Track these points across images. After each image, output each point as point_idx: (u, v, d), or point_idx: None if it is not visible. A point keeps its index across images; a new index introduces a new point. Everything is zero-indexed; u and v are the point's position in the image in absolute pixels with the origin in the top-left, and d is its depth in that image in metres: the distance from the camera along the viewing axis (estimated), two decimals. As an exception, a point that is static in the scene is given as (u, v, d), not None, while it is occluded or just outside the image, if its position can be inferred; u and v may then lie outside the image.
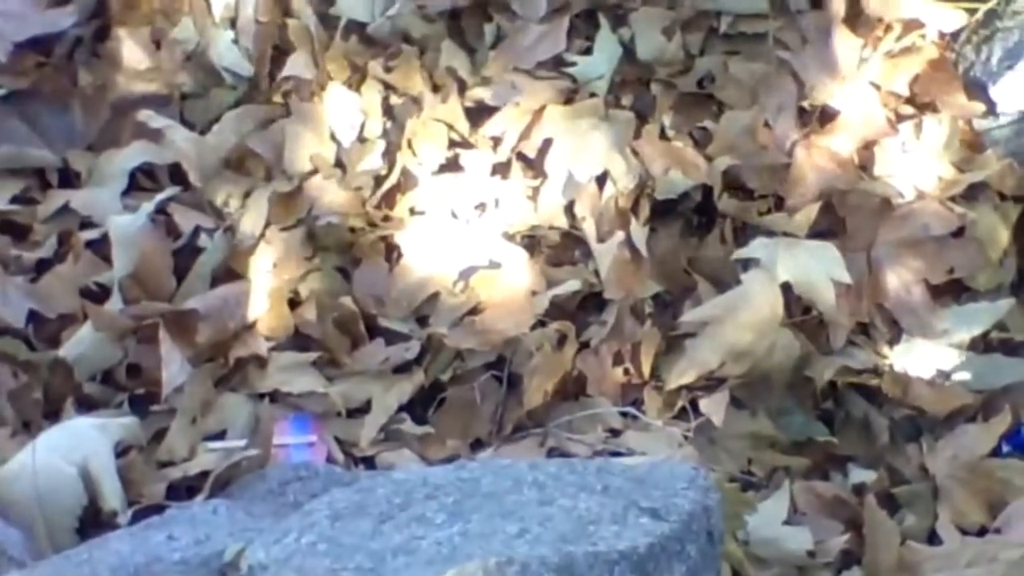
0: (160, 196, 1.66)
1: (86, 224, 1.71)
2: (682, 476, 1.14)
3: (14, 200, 1.72)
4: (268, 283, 1.67)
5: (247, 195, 1.75)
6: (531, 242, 1.75)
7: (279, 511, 1.36)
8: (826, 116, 1.81)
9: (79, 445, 1.42)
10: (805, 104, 1.81)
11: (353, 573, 1.06)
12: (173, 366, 1.54)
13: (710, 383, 1.63)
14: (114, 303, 1.60)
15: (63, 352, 1.56)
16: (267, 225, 1.72)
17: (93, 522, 1.40)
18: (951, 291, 1.75)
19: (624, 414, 1.62)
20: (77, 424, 1.46)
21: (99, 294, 1.63)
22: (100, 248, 1.68)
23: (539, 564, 1.02)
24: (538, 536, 1.06)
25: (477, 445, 1.60)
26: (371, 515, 1.13)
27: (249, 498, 1.39)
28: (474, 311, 1.68)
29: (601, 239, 1.72)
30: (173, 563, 1.16)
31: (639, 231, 1.73)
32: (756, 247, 1.70)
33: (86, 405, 1.56)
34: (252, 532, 1.21)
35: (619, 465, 1.17)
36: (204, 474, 1.45)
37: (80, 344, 1.57)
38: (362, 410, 1.61)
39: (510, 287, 1.69)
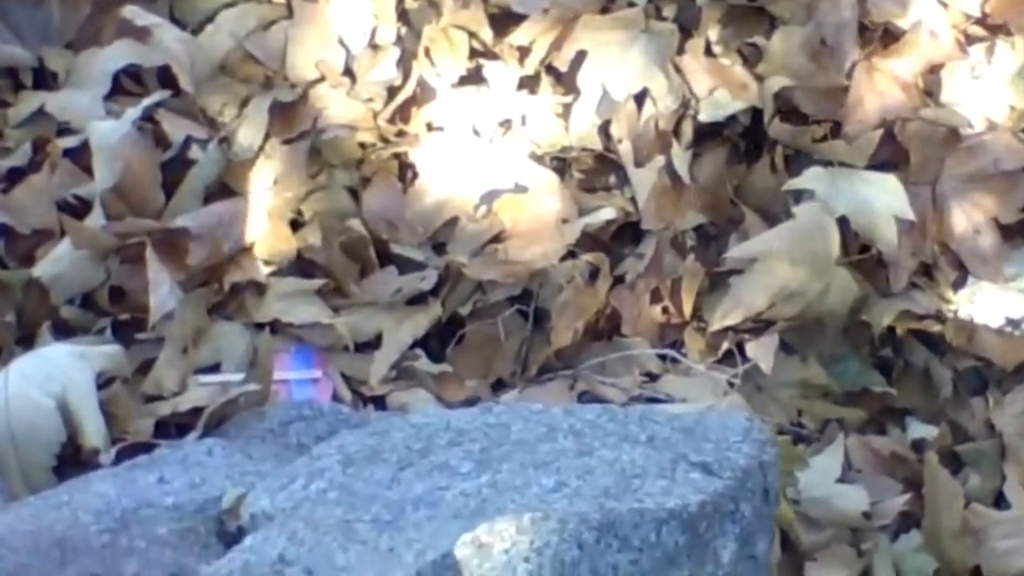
0: (147, 101, 1.60)
1: (63, 131, 1.65)
2: (735, 427, 1.09)
3: (-18, 103, 1.67)
4: (267, 201, 1.62)
5: (244, 104, 1.69)
6: (561, 165, 1.70)
7: (281, 454, 1.32)
8: (889, 35, 1.75)
9: (56, 375, 1.37)
10: (866, 21, 1.75)
11: (369, 525, 1.01)
12: (161, 290, 1.49)
13: (757, 325, 1.59)
14: (95, 219, 1.54)
15: (38, 271, 1.51)
16: (267, 137, 1.66)
17: (72, 460, 1.35)
18: (1023, 231, 1.70)
19: (663, 357, 1.58)
20: (54, 351, 1.40)
21: (78, 208, 1.58)
22: (80, 158, 1.62)
23: (579, 521, 0.97)
24: (577, 490, 1.01)
25: (499, 386, 1.56)
26: (387, 461, 1.08)
27: (247, 438, 1.34)
28: (497, 239, 1.63)
29: (639, 164, 1.67)
30: (165, 508, 1.11)
31: (681, 156, 1.68)
32: (810, 177, 1.65)
33: (64, 331, 1.51)
34: (252, 476, 1.16)
35: (664, 413, 1.12)
36: (196, 411, 1.40)
37: (57, 263, 1.51)
38: (372, 345, 1.56)
39: (537, 213, 1.64)
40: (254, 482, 1.14)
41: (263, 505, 1.06)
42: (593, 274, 1.61)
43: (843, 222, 1.62)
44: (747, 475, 1.05)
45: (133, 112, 1.58)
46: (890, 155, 1.71)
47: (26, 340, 1.49)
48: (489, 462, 1.06)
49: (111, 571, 1.06)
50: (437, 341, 1.60)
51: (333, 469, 1.08)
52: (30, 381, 1.36)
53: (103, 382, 1.41)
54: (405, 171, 1.68)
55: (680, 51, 1.72)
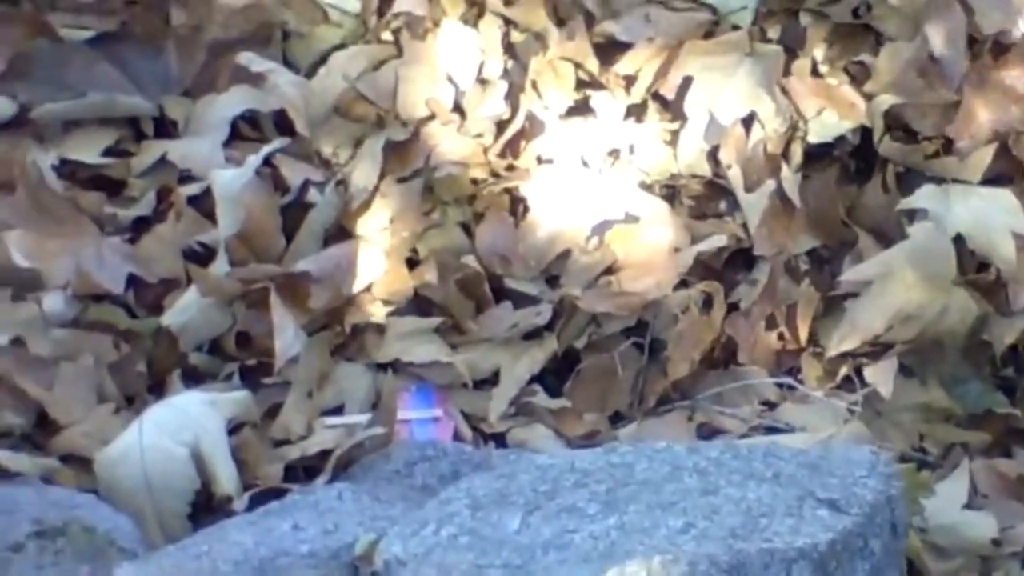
0: (266, 148, 1.64)
1: (185, 178, 1.69)
2: (861, 461, 1.10)
3: (107, 152, 1.71)
4: (384, 241, 1.65)
5: (358, 144, 1.73)
6: (670, 192, 1.71)
7: (407, 495, 1.35)
8: (999, 47, 1.74)
9: (189, 423, 1.42)
10: (975, 34, 1.75)
11: (500, 570, 1.04)
12: (287, 335, 1.53)
13: (875, 349, 1.59)
14: (220, 266, 1.58)
15: (167, 320, 1.55)
16: (381, 177, 1.69)
17: (206, 507, 1.39)
18: None
19: (780, 385, 1.58)
20: (186, 400, 1.45)
21: (203, 255, 1.62)
22: (202, 205, 1.66)
23: (708, 563, 0.99)
24: (705, 531, 1.03)
25: (617, 419, 1.57)
26: (515, 504, 1.11)
27: (374, 480, 1.38)
28: (610, 271, 1.65)
29: (749, 188, 1.68)
30: (301, 556, 1.14)
31: (791, 179, 1.68)
32: (923, 195, 1.65)
33: (193, 377, 1.55)
34: (383, 521, 1.19)
35: (788, 449, 1.13)
36: (323, 453, 1.44)
37: (185, 311, 1.56)
38: (490, 381, 1.58)
39: (649, 243, 1.66)
40: (385, 527, 1.17)
41: (396, 551, 1.09)
42: (707, 303, 1.62)
43: (959, 240, 1.62)
44: (875, 511, 1.06)
45: (254, 160, 1.62)
46: (1004, 169, 1.70)
47: (157, 388, 1.54)
48: (616, 503, 1.08)
49: (253, 621, 1.10)
50: (554, 376, 1.62)
51: (462, 514, 1.11)
52: (163, 431, 1.41)
53: (233, 428, 1.46)
54: (516, 205, 1.71)
55: (786, 72, 1.72)
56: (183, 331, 1.56)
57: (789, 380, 1.59)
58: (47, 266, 1.59)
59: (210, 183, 1.62)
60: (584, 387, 1.60)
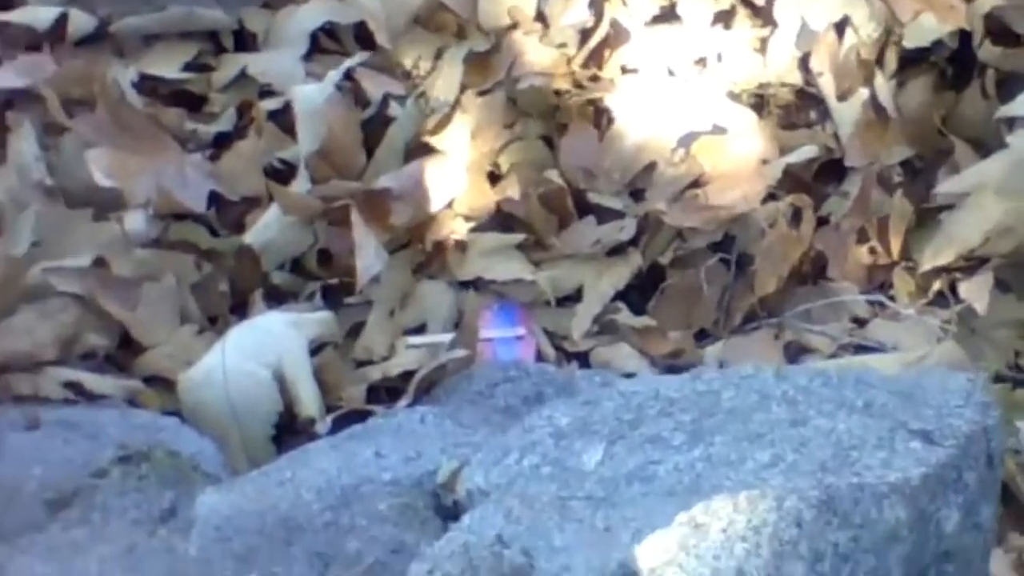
0: (347, 63, 1.62)
1: (265, 92, 1.68)
2: (956, 390, 1.07)
3: (187, 67, 1.70)
4: (466, 156, 1.63)
5: (439, 56, 1.70)
6: (759, 102, 1.67)
7: (489, 418, 1.34)
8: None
9: (271, 345, 1.41)
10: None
11: (583, 502, 1.02)
12: (368, 254, 1.51)
13: (970, 264, 1.54)
14: (301, 183, 1.57)
15: (249, 239, 1.54)
16: (462, 90, 1.67)
17: (288, 429, 1.40)
18: None
19: (871, 302, 1.55)
20: (269, 321, 1.44)
21: (284, 172, 1.61)
22: (283, 120, 1.65)
23: (797, 498, 0.97)
24: (793, 464, 1.01)
25: (702, 336, 1.55)
26: (599, 434, 1.09)
27: (456, 403, 1.37)
28: (696, 184, 1.62)
29: (841, 97, 1.64)
30: (383, 484, 1.14)
31: (885, 87, 1.63)
32: (1024, 103, 1.60)
33: (275, 297, 1.55)
34: (465, 447, 1.18)
35: (880, 376, 1.10)
36: (406, 375, 1.44)
37: (267, 230, 1.55)
38: (573, 298, 1.56)
39: (737, 155, 1.62)
40: (467, 454, 1.16)
41: (478, 481, 1.08)
42: (796, 216, 1.58)
43: (1061, 149, 1.57)
44: (970, 442, 1.04)
45: (334, 75, 1.60)
46: (1111, 74, 1.65)
47: (239, 308, 1.54)
48: (701, 434, 1.06)
49: (335, 550, 1.10)
50: (638, 292, 1.59)
51: (545, 443, 1.10)
52: (246, 352, 1.41)
53: (315, 348, 1.45)
54: (600, 117, 1.68)
55: (884, -24, 1.67)
56: (265, 250, 1.55)
57: (881, 298, 1.55)
58: (128, 184, 1.58)
59: (290, 98, 1.60)
60: (669, 304, 1.58)
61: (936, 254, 1.55)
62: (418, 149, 1.64)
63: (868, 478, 0.99)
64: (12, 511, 1.22)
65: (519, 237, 1.59)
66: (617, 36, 1.69)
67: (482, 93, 1.67)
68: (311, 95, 1.59)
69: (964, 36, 1.65)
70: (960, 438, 1.04)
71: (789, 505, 0.98)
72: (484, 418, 1.34)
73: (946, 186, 1.57)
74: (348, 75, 1.66)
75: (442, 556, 1.01)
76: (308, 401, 1.39)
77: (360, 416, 1.37)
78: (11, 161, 1.59)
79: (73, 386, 1.40)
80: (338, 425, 1.36)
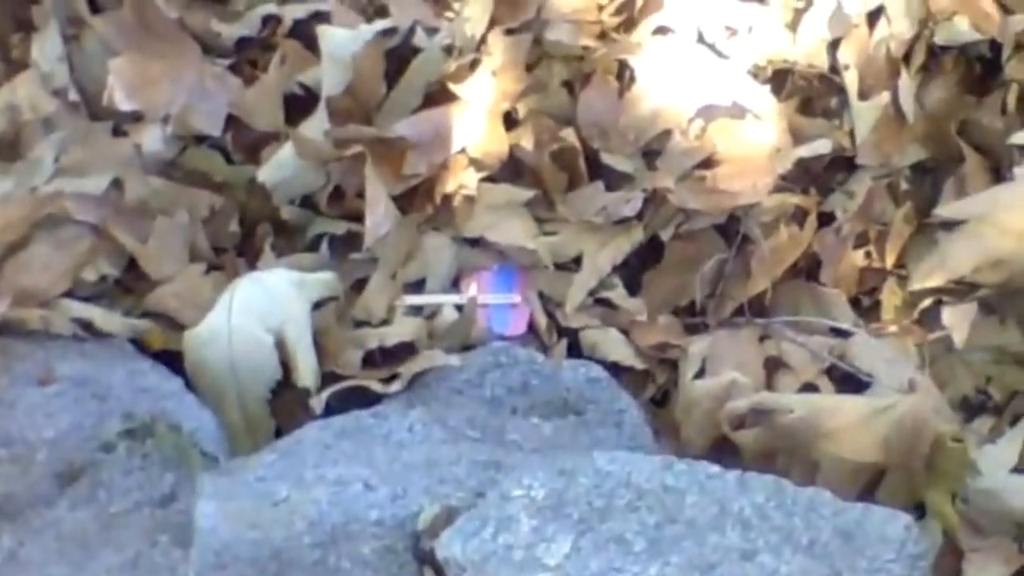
0: (379, 24, 1.64)
1: (291, -6, 1.72)
2: (893, 540, 1.19)
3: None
4: (485, 99, 1.68)
5: (470, -24, 1.73)
6: (782, 78, 1.72)
7: (475, 415, 1.46)
8: None
9: (276, 307, 1.51)
10: None
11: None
12: (378, 212, 1.59)
13: (959, 287, 1.63)
14: (318, 123, 1.63)
15: (262, 176, 1.61)
16: (490, 27, 1.71)
17: (285, 390, 1.51)
18: None
19: (857, 308, 1.64)
20: (274, 279, 1.53)
21: (303, 100, 1.67)
22: (306, 30, 1.70)
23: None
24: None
25: (691, 317, 1.64)
26: (570, 519, 1.22)
27: (446, 393, 1.48)
28: (707, 163, 1.68)
29: (864, 94, 1.68)
30: (370, 524, 1.27)
31: (908, 87, 1.67)
32: (1040, 134, 1.64)
33: (282, 232, 1.63)
34: (450, 485, 1.31)
35: (832, 504, 1.23)
36: (403, 346, 1.54)
37: (281, 168, 1.61)
38: (571, 267, 1.65)
39: (751, 140, 1.67)
40: (449, 493, 1.29)
41: (455, 552, 1.21)
42: (800, 214, 1.66)
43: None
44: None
45: (367, 30, 1.62)
46: None
47: (247, 239, 1.63)
48: (661, 545, 1.19)
49: (319, 590, 1.24)
50: (636, 258, 1.68)
51: (521, 520, 1.23)
52: (251, 313, 1.51)
53: (316, 303, 1.56)
54: (624, 71, 1.72)
55: (925, -32, 1.69)
56: (277, 188, 1.62)
57: (867, 306, 1.64)
58: (148, 95, 1.64)
59: (319, 41, 1.64)
60: (663, 278, 1.66)
61: (927, 275, 1.62)
62: (438, 91, 1.69)
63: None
64: (24, 481, 1.36)
65: (528, 194, 1.65)
66: (651, -10, 1.72)
67: (509, 32, 1.71)
68: (341, 42, 1.62)
69: (995, 46, 1.68)
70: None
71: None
72: (470, 418, 1.46)
73: (947, 209, 1.63)
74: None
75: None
76: (305, 371, 1.50)
77: (355, 394, 1.49)
78: (34, 62, 1.65)
79: (82, 322, 1.51)
80: (334, 404, 1.48)
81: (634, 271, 1.68)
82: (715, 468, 1.26)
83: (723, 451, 1.52)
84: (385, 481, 1.31)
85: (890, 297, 1.65)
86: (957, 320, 1.60)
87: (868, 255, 1.67)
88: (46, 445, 1.38)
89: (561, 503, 1.24)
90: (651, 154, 1.70)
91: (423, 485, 1.31)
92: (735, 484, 1.24)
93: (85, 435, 1.39)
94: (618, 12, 1.72)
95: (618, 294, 1.64)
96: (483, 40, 1.70)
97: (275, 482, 1.33)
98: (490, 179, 1.67)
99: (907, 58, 1.69)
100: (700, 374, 1.58)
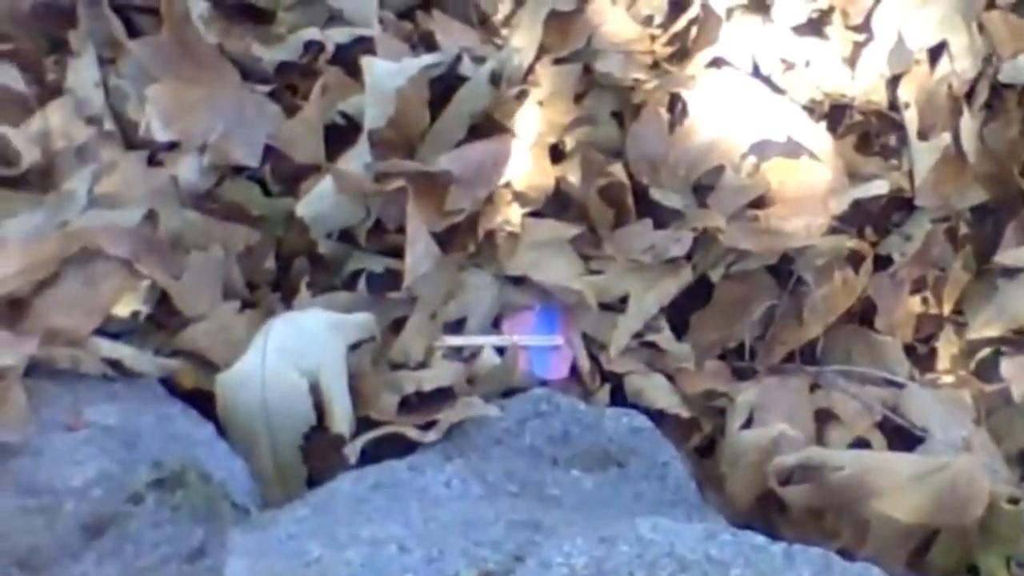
0: (426, 59, 1.61)
1: (334, 17, 1.70)
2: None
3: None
4: (533, 131, 1.65)
5: (520, 3, 1.70)
6: (839, 114, 1.69)
7: (514, 468, 1.43)
8: None
9: (312, 350, 1.49)
10: None
11: None
12: (418, 247, 1.56)
13: (1019, 337, 1.60)
14: (360, 155, 1.60)
15: (300, 210, 1.58)
16: (539, 55, 1.68)
17: (318, 435, 1.49)
18: None
19: (912, 357, 1.61)
20: (310, 321, 1.50)
21: (344, 129, 1.64)
22: (348, 55, 1.67)
23: None
24: None
25: (740, 374, 1.62)
26: (611, 592, 1.20)
27: (483, 449, 1.46)
28: (760, 202, 1.65)
29: (923, 134, 1.65)
30: (402, 588, 1.25)
31: (970, 128, 1.64)
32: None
33: (319, 265, 1.61)
34: (486, 548, 1.29)
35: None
36: (441, 391, 1.52)
37: (320, 201, 1.58)
38: (615, 308, 1.62)
39: (806, 181, 1.64)
40: (487, 558, 1.27)
41: (490, 626, 1.20)
42: (856, 259, 1.63)
43: None
44: None
45: (411, 65, 1.60)
46: None
47: (282, 272, 1.61)
48: (702, 622, 1.17)
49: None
50: (683, 297, 1.65)
51: (559, 590, 1.21)
52: (286, 356, 1.48)
53: (352, 345, 1.53)
54: (675, 103, 1.69)
55: (989, 6, 1.65)
56: (315, 222, 1.60)
57: (922, 354, 1.61)
58: (185, 123, 1.62)
59: (364, 73, 1.61)
60: (711, 321, 1.64)
61: (986, 324, 1.60)
62: (483, 122, 1.66)
63: None
64: (51, 534, 1.34)
65: (574, 230, 1.63)
66: (706, 19, 1.69)
67: (558, 61, 1.68)
68: (385, 75, 1.59)
69: (1063, 87, 1.65)
70: None
71: None
72: (508, 471, 1.43)
73: (1009, 256, 1.60)
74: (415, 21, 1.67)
75: None
76: (340, 417, 1.47)
77: (391, 443, 1.47)
78: (70, 88, 1.63)
79: (111, 362, 1.49)
80: (368, 453, 1.46)
81: (681, 311, 1.65)
82: (761, 539, 1.22)
83: (769, 506, 1.49)
84: (420, 542, 1.29)
85: (947, 346, 1.61)
86: (1016, 372, 1.58)
87: (925, 301, 1.63)
88: (74, 495, 1.36)
89: (601, 572, 1.21)
90: (702, 191, 1.67)
91: (460, 547, 1.29)
92: (782, 557, 1.21)
93: (114, 484, 1.37)
94: (671, 43, 1.69)
95: (664, 337, 1.61)
96: (531, 70, 1.67)
97: (307, 540, 1.30)
98: (535, 214, 1.65)
99: (969, 96, 1.66)
100: (748, 423, 1.55)
